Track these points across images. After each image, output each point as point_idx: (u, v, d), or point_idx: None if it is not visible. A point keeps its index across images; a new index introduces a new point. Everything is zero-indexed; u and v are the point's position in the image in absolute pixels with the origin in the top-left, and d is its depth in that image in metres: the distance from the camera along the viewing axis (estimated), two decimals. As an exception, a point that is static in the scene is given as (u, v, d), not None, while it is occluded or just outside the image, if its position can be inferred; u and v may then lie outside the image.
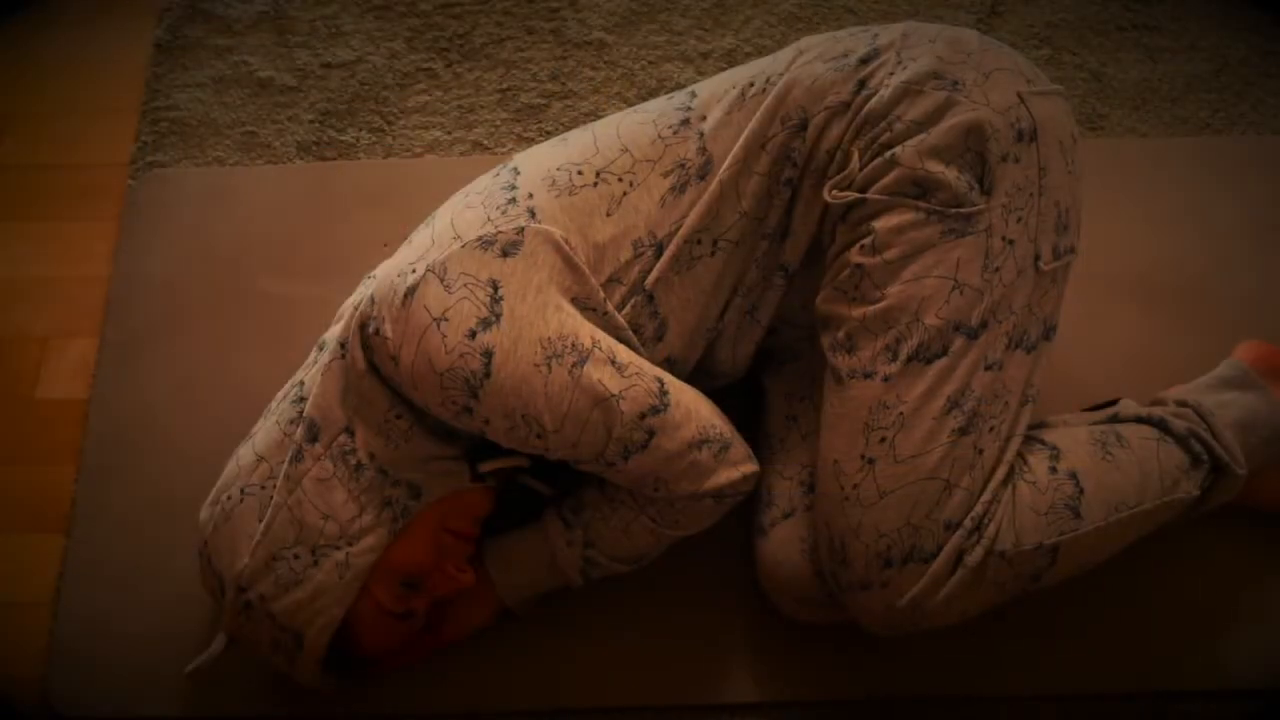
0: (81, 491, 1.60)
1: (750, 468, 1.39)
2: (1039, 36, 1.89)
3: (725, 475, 1.36)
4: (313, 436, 1.32)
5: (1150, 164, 1.77)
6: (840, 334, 1.33)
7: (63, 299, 1.75)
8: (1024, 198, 1.31)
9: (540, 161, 1.40)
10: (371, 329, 1.29)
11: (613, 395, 1.29)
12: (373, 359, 1.30)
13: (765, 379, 1.53)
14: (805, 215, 1.37)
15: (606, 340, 1.32)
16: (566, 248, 1.32)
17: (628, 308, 1.37)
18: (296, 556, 1.29)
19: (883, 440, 1.29)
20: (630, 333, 1.36)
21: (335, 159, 1.84)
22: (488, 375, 1.26)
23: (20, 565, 1.57)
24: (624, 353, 1.33)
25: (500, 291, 1.28)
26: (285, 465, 1.31)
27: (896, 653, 1.47)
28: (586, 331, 1.31)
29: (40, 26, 1.99)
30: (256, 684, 1.48)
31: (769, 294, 1.42)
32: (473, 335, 1.26)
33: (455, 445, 1.35)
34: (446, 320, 1.26)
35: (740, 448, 1.39)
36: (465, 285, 1.27)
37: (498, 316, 1.27)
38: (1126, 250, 1.71)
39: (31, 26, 1.99)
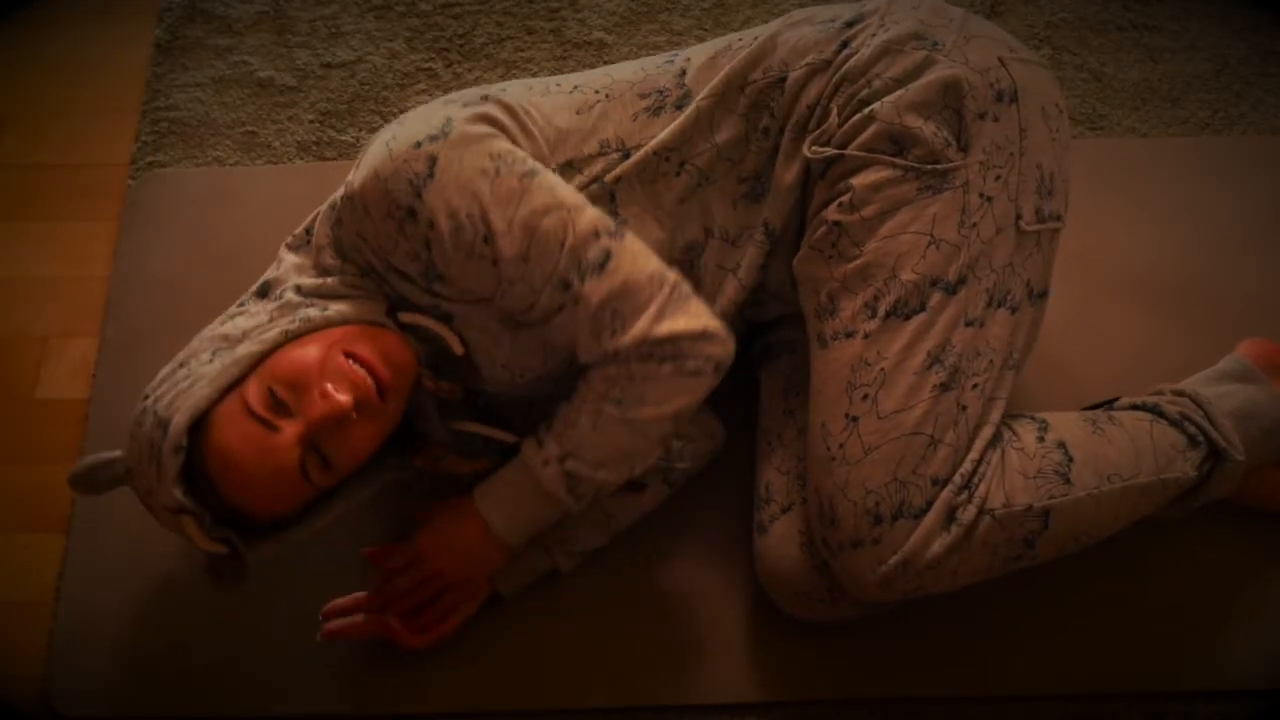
0: (81, 491, 1.60)
1: (714, 324, 1.31)
2: (1039, 36, 1.89)
3: (684, 321, 1.28)
4: (263, 293, 1.35)
5: (1150, 164, 1.77)
6: (822, 296, 1.34)
7: (63, 299, 1.75)
8: (1003, 156, 1.32)
9: (524, 81, 1.43)
10: (343, 192, 1.31)
11: (565, 205, 1.28)
12: (339, 234, 1.33)
13: (761, 375, 1.53)
14: (785, 169, 1.37)
15: (557, 175, 1.32)
16: (524, 115, 1.34)
17: (584, 194, 1.35)
18: (197, 359, 1.30)
19: (865, 397, 1.29)
20: None
21: (335, 159, 1.84)
22: (430, 175, 1.25)
23: (20, 565, 1.57)
24: (574, 189, 1.32)
25: (453, 121, 1.29)
26: (229, 312, 1.35)
27: (897, 653, 1.47)
28: (536, 160, 1.32)
29: (40, 26, 1.99)
30: (257, 684, 1.48)
31: (751, 250, 1.41)
32: (418, 145, 1.26)
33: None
34: (395, 138, 1.28)
35: (702, 304, 1.32)
36: (422, 121, 1.30)
37: (446, 134, 1.27)
38: (1126, 250, 1.71)
39: (31, 26, 1.99)
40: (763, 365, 1.54)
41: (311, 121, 1.86)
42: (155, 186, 1.82)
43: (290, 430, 1.25)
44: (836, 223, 1.32)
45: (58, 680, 1.49)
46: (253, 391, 1.25)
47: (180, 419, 1.24)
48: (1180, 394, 1.43)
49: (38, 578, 1.56)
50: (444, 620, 1.44)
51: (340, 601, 1.43)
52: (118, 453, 1.34)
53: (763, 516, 1.43)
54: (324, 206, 1.39)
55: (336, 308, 1.30)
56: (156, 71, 1.92)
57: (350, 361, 1.27)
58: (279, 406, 1.25)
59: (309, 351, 1.26)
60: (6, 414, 1.67)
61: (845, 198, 1.32)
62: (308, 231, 1.39)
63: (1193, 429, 1.39)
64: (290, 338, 1.28)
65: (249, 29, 1.95)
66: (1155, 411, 1.41)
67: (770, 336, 1.53)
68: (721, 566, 1.52)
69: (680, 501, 1.54)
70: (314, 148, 1.84)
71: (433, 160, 1.25)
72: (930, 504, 1.28)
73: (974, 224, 1.31)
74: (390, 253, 1.29)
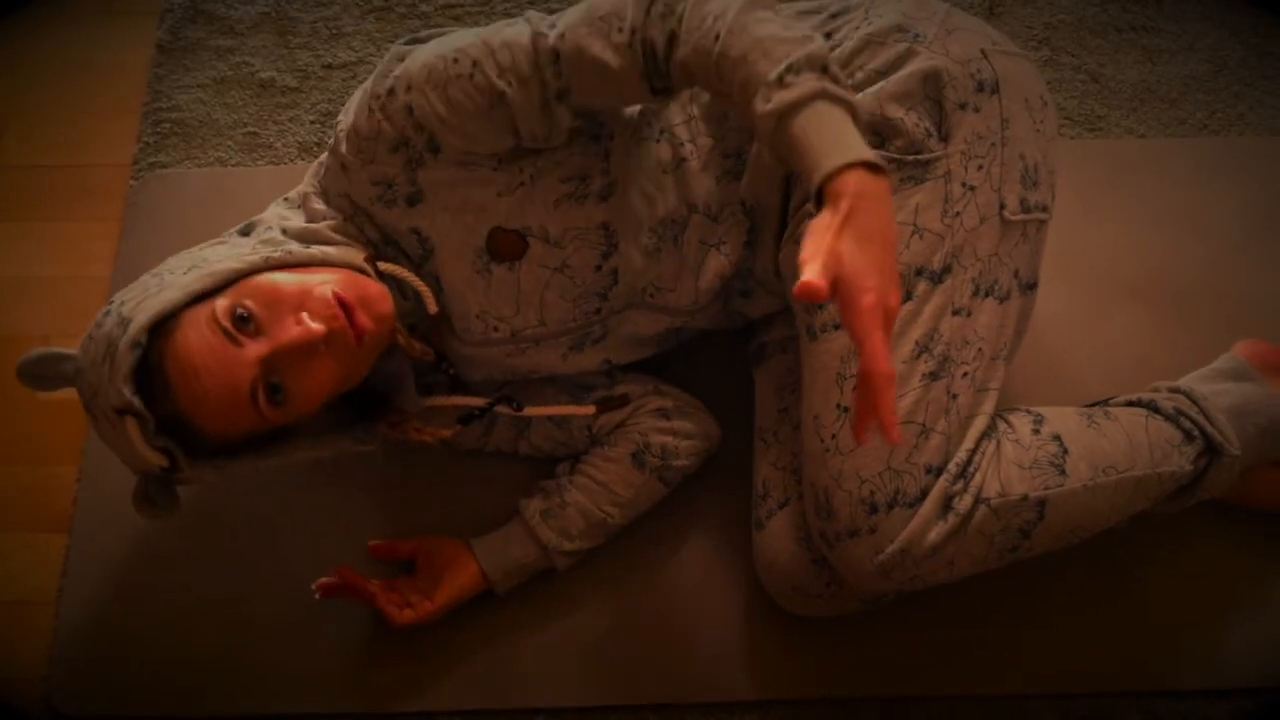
0: (83, 491, 1.61)
1: None
2: (1038, 38, 1.90)
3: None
4: (246, 232, 1.36)
5: (1148, 165, 1.78)
6: None
7: (64, 299, 1.75)
8: (985, 146, 1.33)
9: None
10: (330, 144, 1.34)
11: (526, 14, 1.27)
12: (325, 182, 1.35)
13: (756, 374, 1.54)
14: (763, 155, 1.37)
15: None
16: None
17: (581, 143, 1.34)
18: (171, 272, 1.28)
19: (855, 388, 1.29)
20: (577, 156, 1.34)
21: (336, 160, 1.84)
22: (399, 60, 1.29)
23: (22, 564, 1.57)
24: None
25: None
26: (209, 242, 1.35)
27: (896, 652, 1.47)
28: None
29: (41, 26, 1.99)
30: (257, 684, 1.48)
31: (734, 231, 1.41)
32: (398, 58, 1.30)
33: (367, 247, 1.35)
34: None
35: None
36: None
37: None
38: (1125, 250, 1.71)
39: (32, 26, 1.99)
40: (757, 365, 1.54)
41: (313, 122, 1.86)
42: (157, 187, 1.82)
43: (254, 349, 1.22)
44: None
45: (59, 679, 1.50)
46: (222, 304, 1.23)
47: (142, 317, 1.21)
48: (1176, 390, 1.44)
49: (39, 577, 1.56)
50: (426, 596, 1.45)
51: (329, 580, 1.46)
52: (74, 350, 1.29)
53: (760, 512, 1.43)
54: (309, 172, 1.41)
55: (319, 248, 1.30)
56: (158, 72, 1.92)
57: (331, 299, 1.25)
58: (244, 322, 1.22)
59: (290, 278, 1.25)
60: (7, 414, 1.67)
61: None
62: (300, 196, 1.40)
63: (1188, 424, 1.40)
64: (271, 264, 1.27)
65: (250, 30, 1.95)
66: (1151, 407, 1.42)
67: (764, 337, 1.54)
68: (719, 564, 1.52)
69: (677, 501, 1.54)
70: (315, 149, 1.84)
71: (400, 59, 1.29)
72: (925, 492, 1.29)
73: (957, 213, 1.31)
74: (373, 155, 1.29)
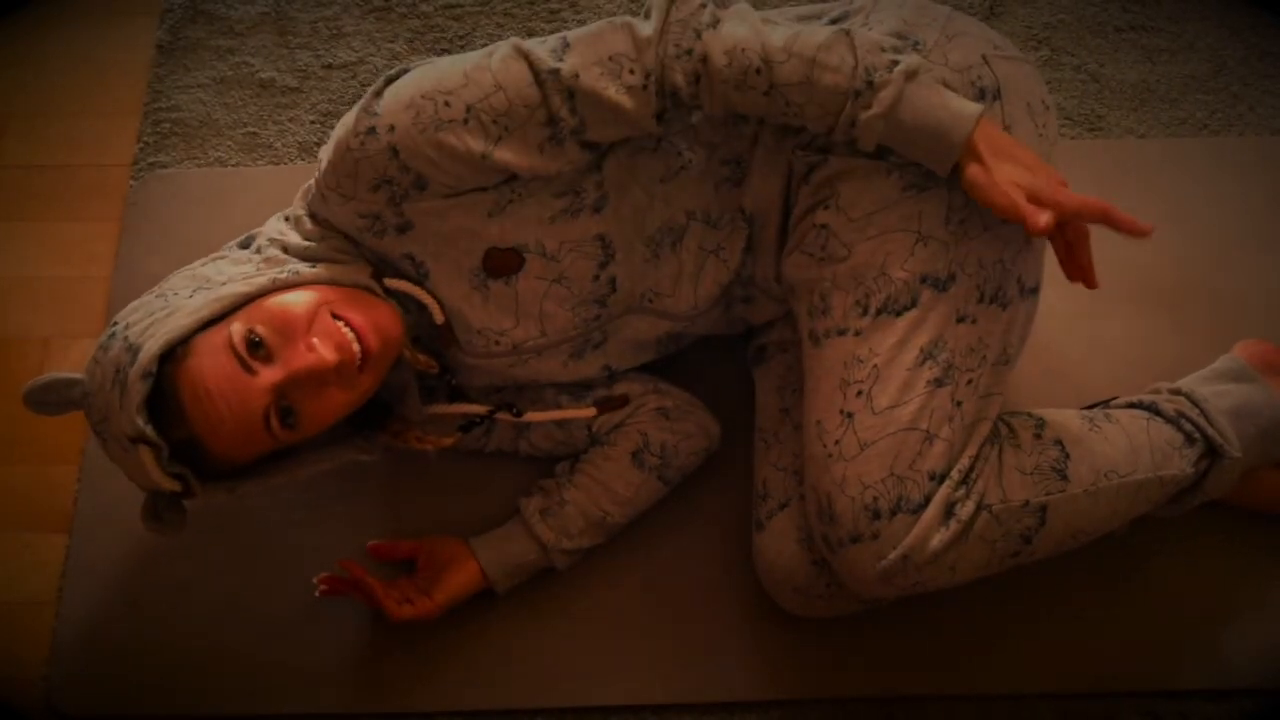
0: (83, 491, 1.61)
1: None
2: (1037, 38, 1.90)
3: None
4: (245, 244, 1.36)
5: (1148, 165, 1.78)
6: (815, 297, 1.34)
7: (64, 299, 1.75)
8: None
9: None
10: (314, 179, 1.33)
11: (512, 43, 1.25)
12: (314, 205, 1.34)
13: (756, 375, 1.54)
14: (767, 160, 1.37)
15: None
16: None
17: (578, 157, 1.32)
18: (175, 293, 1.28)
19: (859, 394, 1.30)
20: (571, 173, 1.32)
21: (336, 160, 1.84)
22: (379, 97, 1.26)
23: (22, 564, 1.57)
24: None
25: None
26: (209, 257, 1.34)
27: (896, 652, 1.47)
28: None
29: (41, 26, 1.99)
30: (257, 683, 1.48)
31: (734, 237, 1.41)
32: (377, 92, 1.27)
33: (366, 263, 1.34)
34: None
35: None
36: None
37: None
38: (1126, 250, 1.70)
39: (32, 26, 1.99)
40: (757, 366, 1.54)
41: (313, 122, 1.87)
42: (157, 187, 1.82)
43: (267, 376, 1.23)
44: (824, 225, 1.33)
45: (59, 679, 1.50)
46: (237, 330, 1.23)
47: (153, 345, 1.22)
48: (1177, 392, 1.44)
49: (40, 577, 1.56)
50: (426, 594, 1.45)
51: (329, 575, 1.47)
52: (80, 374, 1.29)
53: (760, 513, 1.43)
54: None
55: (325, 267, 1.30)
56: (158, 72, 1.92)
57: (339, 324, 1.26)
58: (257, 349, 1.23)
59: (300, 302, 1.26)
60: (8, 414, 1.67)
61: (831, 200, 1.32)
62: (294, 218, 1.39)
63: (1189, 426, 1.40)
64: (278, 286, 1.27)
65: (250, 30, 1.95)
66: (1152, 410, 1.42)
67: (764, 339, 1.54)
68: (719, 564, 1.52)
69: (677, 500, 1.54)
70: (315, 149, 1.84)
71: (388, 81, 1.27)
72: (928, 499, 1.29)
73: (961, 220, 1.31)
74: (353, 193, 1.28)
